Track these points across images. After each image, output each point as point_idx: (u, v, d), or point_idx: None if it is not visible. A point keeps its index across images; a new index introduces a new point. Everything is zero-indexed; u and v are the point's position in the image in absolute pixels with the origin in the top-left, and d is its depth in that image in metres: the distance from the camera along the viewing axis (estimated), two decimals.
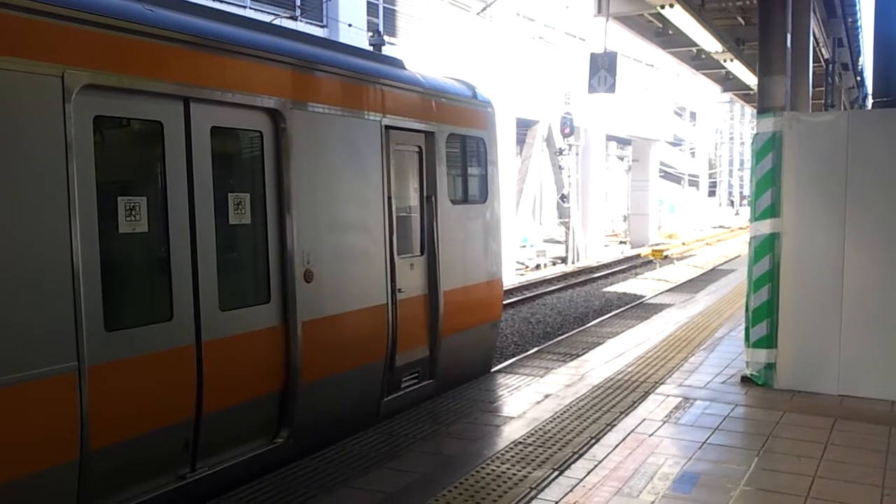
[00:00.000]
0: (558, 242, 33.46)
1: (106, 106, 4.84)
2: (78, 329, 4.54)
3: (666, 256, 30.81)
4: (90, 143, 4.71)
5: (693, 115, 58.47)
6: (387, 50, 8.90)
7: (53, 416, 4.46)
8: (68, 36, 4.55)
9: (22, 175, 4.30)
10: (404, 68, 8.07)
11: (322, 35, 18.62)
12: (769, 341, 7.86)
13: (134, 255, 5.30)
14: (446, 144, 8.31)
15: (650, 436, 6.44)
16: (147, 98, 5.08)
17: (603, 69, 13.26)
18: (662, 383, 8.14)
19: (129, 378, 4.92)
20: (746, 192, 75.26)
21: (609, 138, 40.43)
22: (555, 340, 12.09)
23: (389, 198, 7.39)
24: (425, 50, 22.69)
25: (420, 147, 8.01)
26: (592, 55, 13.37)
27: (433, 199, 8.09)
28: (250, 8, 18.27)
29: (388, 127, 7.36)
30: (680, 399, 7.53)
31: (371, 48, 8.85)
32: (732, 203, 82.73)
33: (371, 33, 9.43)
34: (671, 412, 7.11)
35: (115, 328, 4.84)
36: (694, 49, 18.33)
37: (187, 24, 5.41)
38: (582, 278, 24.62)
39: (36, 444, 4.37)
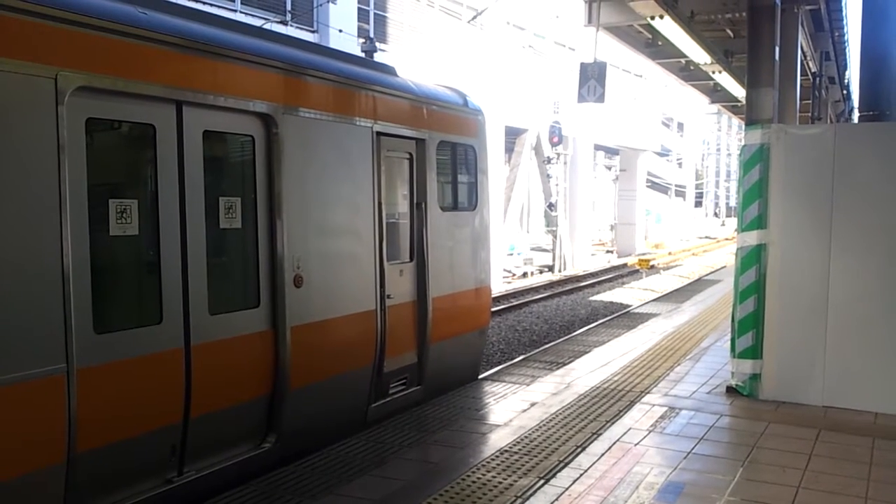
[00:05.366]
0: (545, 251, 33.54)
1: (99, 108, 4.84)
2: (67, 331, 4.52)
3: (652, 266, 30.96)
4: (82, 145, 4.71)
5: (681, 126, 58.83)
6: (377, 56, 8.92)
7: (41, 418, 4.44)
8: (62, 38, 4.55)
9: (13, 176, 4.29)
10: (396, 75, 8.09)
11: (313, 40, 18.64)
12: (754, 352, 7.90)
13: (124, 258, 5.29)
14: (437, 151, 8.33)
15: (636, 445, 6.47)
16: (140, 101, 5.08)
17: (592, 79, 13.28)
18: (648, 393, 8.17)
19: (117, 381, 4.91)
20: (733, 203, 75.75)
21: (597, 148, 40.57)
22: (541, 349, 12.12)
23: (380, 204, 7.41)
24: (416, 57, 22.73)
25: (411, 154, 8.03)
26: (582, 65, 13.39)
27: (423, 205, 8.11)
28: (241, 12, 18.25)
29: (379, 133, 7.38)
30: (665, 409, 7.57)
31: (363, 55, 8.87)
32: (717, 214, 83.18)
33: (363, 39, 9.45)
34: (657, 422, 7.14)
35: (104, 331, 4.83)
36: (683, 60, 18.43)
37: (181, 28, 5.41)
38: (568, 287, 24.68)
39: (22, 447, 4.35)
